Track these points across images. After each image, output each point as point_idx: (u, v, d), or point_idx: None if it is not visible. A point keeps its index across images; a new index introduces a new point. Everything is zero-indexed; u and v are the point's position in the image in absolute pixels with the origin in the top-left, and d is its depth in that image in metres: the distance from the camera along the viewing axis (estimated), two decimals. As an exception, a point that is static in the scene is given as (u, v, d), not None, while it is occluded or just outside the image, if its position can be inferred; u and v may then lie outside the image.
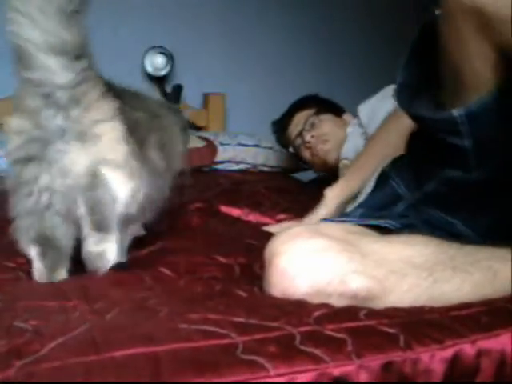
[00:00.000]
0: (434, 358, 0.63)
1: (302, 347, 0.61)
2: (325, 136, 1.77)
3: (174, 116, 1.16)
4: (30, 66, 0.78)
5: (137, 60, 2.52)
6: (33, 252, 0.90)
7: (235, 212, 1.48)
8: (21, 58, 0.78)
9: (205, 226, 1.30)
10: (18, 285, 0.89)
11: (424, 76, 0.96)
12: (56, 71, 0.79)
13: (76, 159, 0.84)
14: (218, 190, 1.73)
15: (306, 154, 1.85)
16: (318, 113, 1.82)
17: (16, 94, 0.85)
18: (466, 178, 0.92)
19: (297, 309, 0.72)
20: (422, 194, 1.01)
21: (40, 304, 0.77)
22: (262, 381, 0.57)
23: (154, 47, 2.49)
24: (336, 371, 0.60)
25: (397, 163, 1.13)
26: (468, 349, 0.64)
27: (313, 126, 1.80)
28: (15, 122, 0.85)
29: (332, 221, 1.10)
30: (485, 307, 0.72)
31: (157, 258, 1.06)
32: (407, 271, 0.79)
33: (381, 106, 1.57)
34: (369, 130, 1.58)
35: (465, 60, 0.85)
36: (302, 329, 0.65)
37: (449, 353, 0.63)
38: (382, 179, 1.14)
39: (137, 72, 2.52)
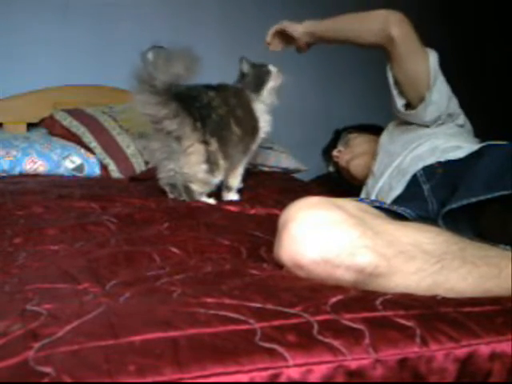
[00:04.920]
0: (449, 357, 0.62)
1: (320, 337, 0.61)
2: (349, 149, 1.79)
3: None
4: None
5: (137, 60, 2.50)
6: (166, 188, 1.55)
7: (237, 209, 1.47)
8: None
9: (207, 218, 1.28)
10: (24, 267, 0.88)
11: None
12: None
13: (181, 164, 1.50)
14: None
15: (340, 169, 1.88)
16: (350, 132, 1.86)
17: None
18: None
19: (312, 294, 0.72)
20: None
21: (50, 287, 0.77)
22: (281, 371, 0.56)
23: (154, 47, 2.48)
24: (353, 364, 0.59)
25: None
26: (482, 350, 0.63)
27: (346, 143, 1.83)
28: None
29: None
30: (498, 307, 0.71)
31: (165, 237, 1.07)
32: (416, 254, 0.80)
33: None
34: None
35: None
36: (320, 317, 0.65)
37: (463, 353, 0.63)
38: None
39: (137, 72, 2.51)
